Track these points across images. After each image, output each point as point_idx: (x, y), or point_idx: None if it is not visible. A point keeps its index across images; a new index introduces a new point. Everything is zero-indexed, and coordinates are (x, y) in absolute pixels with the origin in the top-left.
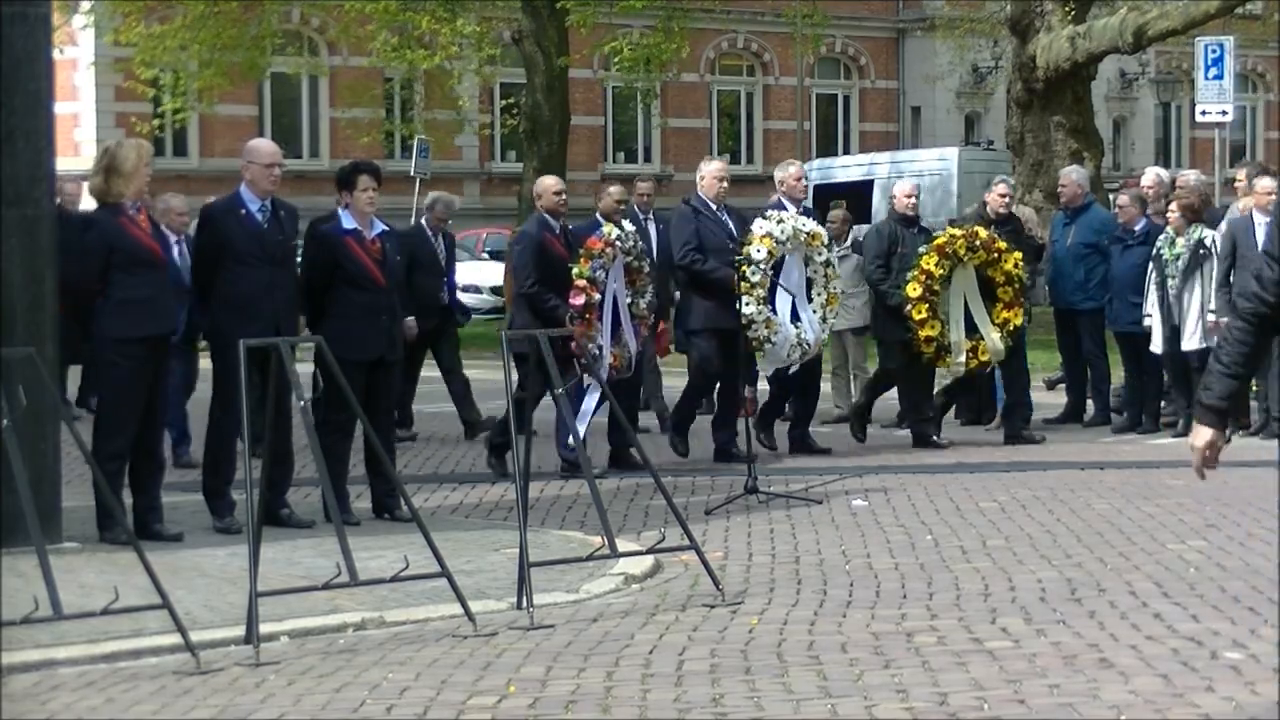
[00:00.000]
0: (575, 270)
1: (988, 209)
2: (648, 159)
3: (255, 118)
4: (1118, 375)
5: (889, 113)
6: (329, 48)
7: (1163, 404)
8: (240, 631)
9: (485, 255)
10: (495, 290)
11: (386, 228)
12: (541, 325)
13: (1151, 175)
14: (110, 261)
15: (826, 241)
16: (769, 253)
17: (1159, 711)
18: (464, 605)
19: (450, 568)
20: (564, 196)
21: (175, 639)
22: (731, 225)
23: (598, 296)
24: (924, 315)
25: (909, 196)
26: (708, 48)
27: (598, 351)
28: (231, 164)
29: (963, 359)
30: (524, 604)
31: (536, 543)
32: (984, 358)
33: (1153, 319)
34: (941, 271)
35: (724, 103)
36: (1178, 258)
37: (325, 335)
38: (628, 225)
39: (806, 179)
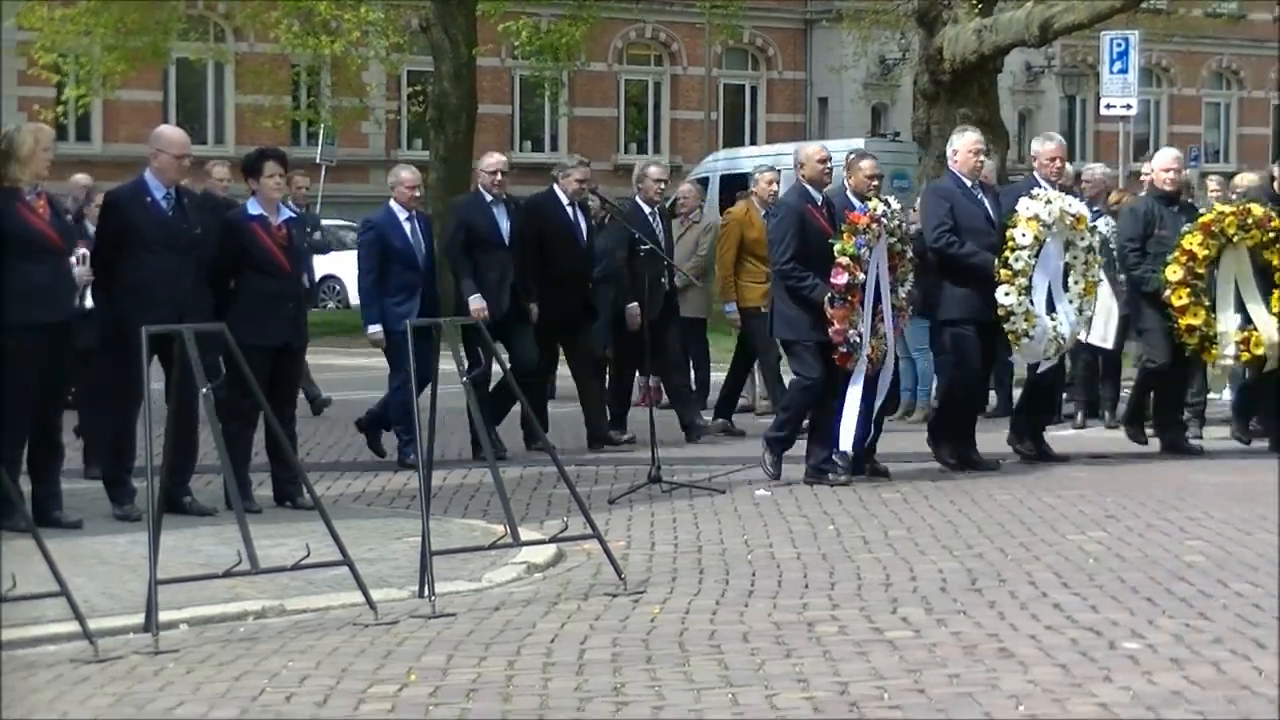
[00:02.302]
0: (838, 247)
1: (1274, 184)
2: (555, 148)
3: (160, 103)
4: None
5: (796, 103)
6: (235, 34)
7: (1064, 395)
8: (139, 619)
9: None
10: None
11: (294, 213)
12: (798, 305)
13: None
14: (6, 247)
15: (1091, 225)
16: (1035, 238)
17: (1057, 701)
18: (365, 594)
19: (352, 556)
20: (830, 165)
21: (73, 627)
22: (988, 205)
23: (861, 277)
24: (1185, 301)
25: (1167, 170)
26: (616, 37)
27: (858, 339)
28: (135, 150)
29: (1231, 350)
30: (426, 592)
31: (439, 531)
32: (1258, 350)
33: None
34: (1207, 252)
35: (631, 92)
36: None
37: (230, 321)
38: (893, 202)
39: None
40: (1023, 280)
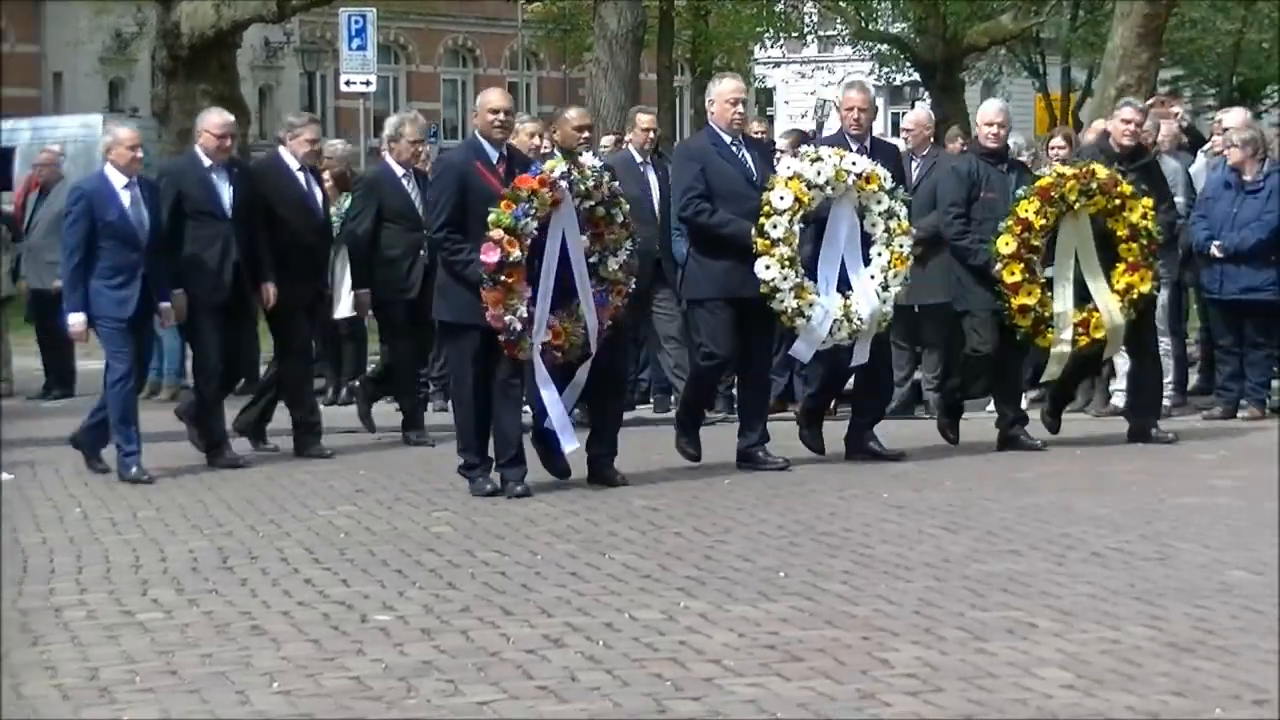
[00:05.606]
0: (491, 217)
1: (1110, 140)
2: None
3: None
4: None
5: (30, 77)
6: None
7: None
8: None
9: None
10: None
11: None
12: (456, 281)
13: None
14: None
15: (889, 186)
16: (797, 199)
17: (311, 676)
18: None
19: None
20: (504, 116)
21: None
22: (752, 164)
23: (518, 254)
24: (1018, 278)
25: (989, 124)
26: None
27: (519, 326)
28: None
29: (1069, 335)
30: None
31: None
32: (1098, 334)
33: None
34: (1044, 222)
35: None
36: None
37: None
38: (590, 160)
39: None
40: (786, 250)
